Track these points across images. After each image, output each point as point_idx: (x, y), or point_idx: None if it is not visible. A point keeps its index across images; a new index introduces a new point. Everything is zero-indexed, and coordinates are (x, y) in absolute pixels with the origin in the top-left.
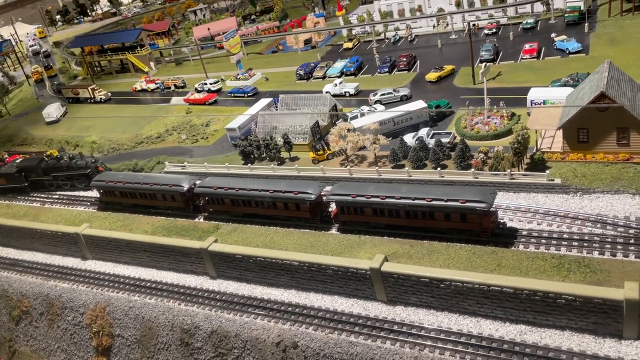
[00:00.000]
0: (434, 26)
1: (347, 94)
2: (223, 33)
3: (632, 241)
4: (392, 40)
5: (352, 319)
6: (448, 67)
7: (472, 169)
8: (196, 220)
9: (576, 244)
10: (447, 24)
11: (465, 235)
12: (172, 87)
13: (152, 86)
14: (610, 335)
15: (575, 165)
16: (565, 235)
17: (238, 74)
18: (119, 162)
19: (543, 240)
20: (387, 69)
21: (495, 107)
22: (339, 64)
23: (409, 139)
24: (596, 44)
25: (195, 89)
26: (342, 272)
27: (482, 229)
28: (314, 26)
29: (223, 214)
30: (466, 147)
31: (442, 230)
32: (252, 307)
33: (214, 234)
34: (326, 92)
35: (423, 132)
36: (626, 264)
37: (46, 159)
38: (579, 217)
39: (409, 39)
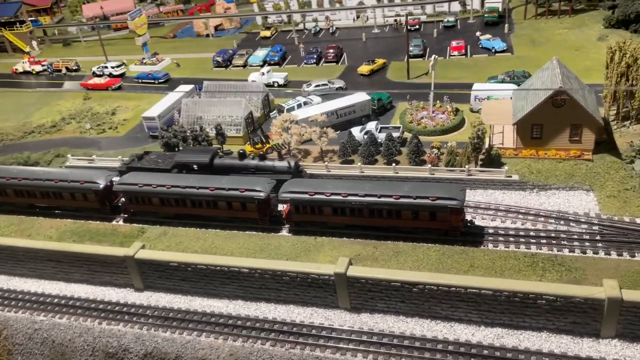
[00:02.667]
0: (354, 19)
1: (276, 84)
2: (118, 13)
3: (598, 238)
4: (312, 32)
5: (314, 331)
6: (380, 61)
7: (428, 165)
8: (114, 223)
9: (545, 241)
10: (368, 18)
11: (432, 235)
12: (64, 70)
13: (37, 68)
14: (587, 335)
15: (529, 161)
16: (532, 233)
17: (144, 58)
18: (4, 155)
19: (511, 239)
20: (314, 60)
21: (438, 101)
22: (261, 53)
23: (357, 132)
24: (518, 44)
25: (94, 73)
26: (302, 278)
27: (451, 228)
28: (225, 12)
29: (149, 215)
30: (419, 142)
31: (407, 229)
32: (194, 323)
33: (139, 239)
34: (252, 82)
35: (371, 125)
36: (598, 261)
37: None
38: (541, 214)
39: (330, 31)
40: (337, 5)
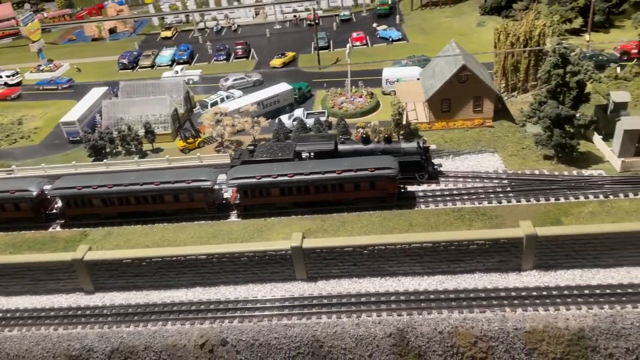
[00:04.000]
0: (253, 17)
1: (191, 81)
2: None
3: (508, 189)
4: (214, 30)
5: (277, 303)
6: (290, 54)
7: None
8: (51, 230)
9: (467, 197)
10: (267, 15)
11: (373, 203)
12: None
13: None
14: (512, 270)
15: (442, 132)
16: (455, 192)
17: (40, 65)
18: None
19: (439, 198)
20: (224, 57)
21: (354, 87)
22: (168, 52)
23: (286, 120)
24: (411, 33)
25: None
26: (259, 257)
27: (389, 195)
28: (117, 14)
29: (89, 217)
30: (346, 124)
31: (350, 201)
32: (157, 314)
33: (83, 242)
34: (174, 78)
35: (299, 112)
36: (512, 208)
37: None
38: (459, 175)
39: (233, 29)
40: (235, 3)
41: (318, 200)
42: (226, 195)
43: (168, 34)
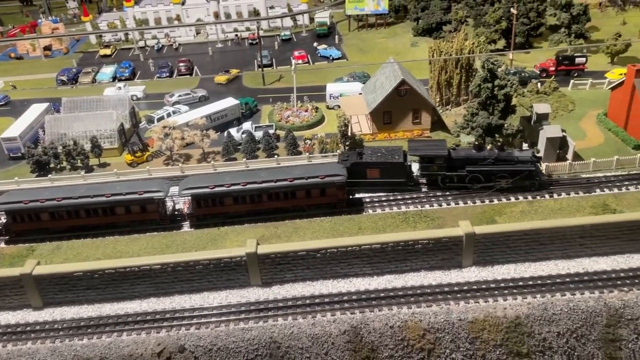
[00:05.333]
0: (194, 35)
1: (135, 98)
2: None
3: (447, 193)
4: (155, 48)
5: (233, 309)
6: (234, 71)
7: (307, 154)
8: None
9: (410, 201)
10: (208, 34)
11: (323, 209)
12: None
13: None
14: (453, 267)
15: (385, 143)
16: (399, 196)
17: None
18: None
19: (385, 203)
20: (167, 74)
21: (299, 101)
22: (108, 69)
23: (235, 133)
24: (350, 52)
25: None
26: (214, 264)
27: (338, 201)
28: (52, 32)
29: (37, 232)
30: (294, 136)
31: (302, 207)
32: (111, 326)
33: (31, 257)
34: (116, 94)
35: (247, 125)
36: (452, 210)
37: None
38: None
39: (174, 47)
40: (176, 22)
41: (271, 208)
42: (178, 206)
43: (107, 51)
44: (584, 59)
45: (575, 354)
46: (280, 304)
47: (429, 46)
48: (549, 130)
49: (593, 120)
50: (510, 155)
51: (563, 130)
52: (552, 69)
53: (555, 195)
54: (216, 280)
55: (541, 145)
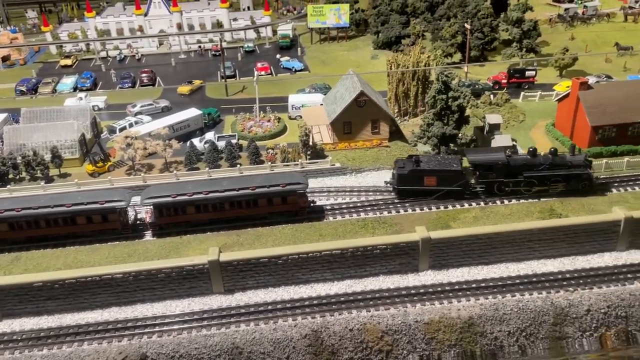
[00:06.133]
0: (157, 46)
1: (96, 108)
2: None
3: (405, 200)
4: (117, 59)
5: (195, 316)
6: (197, 82)
7: (268, 163)
8: None
9: (369, 208)
10: (171, 45)
11: (285, 217)
12: None
13: None
14: (411, 271)
15: (345, 152)
16: (359, 204)
17: None
18: None
19: (345, 210)
20: (129, 85)
21: (262, 112)
22: (69, 80)
23: (197, 142)
24: (312, 64)
25: None
26: (177, 273)
27: (300, 208)
28: (11, 42)
29: None
30: (256, 146)
31: (264, 215)
32: (72, 335)
33: None
34: (77, 104)
35: (210, 135)
36: (409, 216)
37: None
38: (362, 189)
39: (137, 58)
40: (138, 33)
41: (233, 216)
42: (140, 215)
43: (68, 62)
44: (533, 72)
45: (525, 351)
46: (243, 310)
47: (387, 59)
48: (500, 140)
49: (542, 130)
50: (564, 160)
51: (513, 140)
52: (504, 81)
53: (505, 202)
54: (178, 289)
55: None
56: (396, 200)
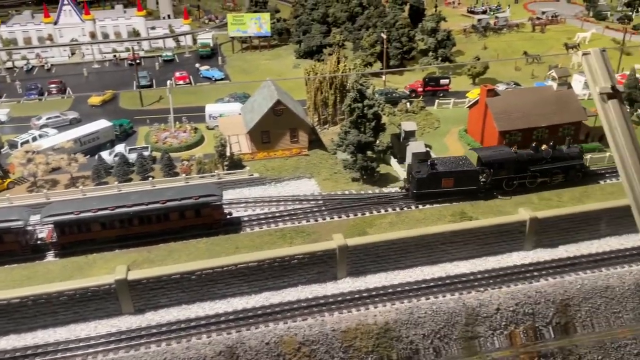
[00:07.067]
0: (69, 56)
1: None
2: None
3: (323, 208)
4: (25, 69)
5: (102, 339)
6: (109, 92)
7: (183, 175)
8: None
9: (288, 218)
10: (84, 55)
11: (199, 230)
12: None
13: None
14: (329, 280)
15: (264, 162)
16: (277, 214)
17: None
18: None
19: (263, 221)
20: (36, 96)
21: (178, 122)
22: None
23: (107, 156)
24: (232, 73)
25: None
26: (81, 294)
27: (214, 221)
28: None
29: None
30: (170, 157)
31: (177, 230)
32: None
33: None
34: None
35: (120, 148)
36: (327, 224)
37: None
38: (281, 199)
39: (46, 68)
40: (48, 42)
41: (143, 232)
42: (42, 234)
43: None
44: (447, 80)
45: (440, 353)
46: (154, 331)
47: (304, 68)
48: (414, 146)
49: (455, 136)
50: (562, 153)
51: (427, 146)
52: (420, 89)
53: (420, 206)
54: (84, 311)
55: (408, 159)
56: (315, 209)
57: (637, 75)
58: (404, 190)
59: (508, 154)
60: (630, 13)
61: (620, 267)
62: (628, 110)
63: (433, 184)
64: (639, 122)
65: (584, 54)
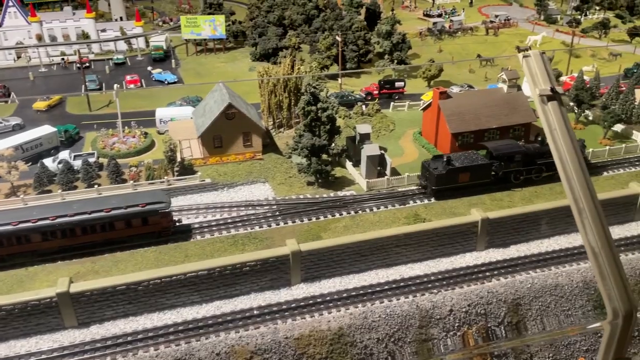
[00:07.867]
0: (14, 60)
1: None
2: None
3: (277, 213)
4: None
5: (44, 356)
6: (56, 97)
7: (131, 182)
8: None
9: (240, 224)
10: (30, 58)
11: (147, 239)
12: None
13: None
14: (283, 286)
15: (216, 167)
16: (229, 220)
17: None
18: None
19: (214, 228)
20: None
21: (127, 127)
22: None
23: (50, 163)
24: (186, 76)
25: None
26: (20, 309)
27: (163, 229)
28: None
29: None
30: (117, 163)
31: (123, 239)
32: None
33: None
34: None
35: (65, 154)
36: (280, 229)
37: None
38: (233, 205)
39: None
40: None
41: (87, 242)
42: None
43: None
44: (402, 83)
45: (395, 357)
46: (98, 345)
47: (258, 71)
48: (369, 149)
49: (410, 139)
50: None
51: (382, 149)
52: (376, 92)
53: (374, 209)
54: (24, 327)
55: (363, 162)
56: (269, 214)
57: (585, 77)
58: (421, 188)
59: (518, 147)
60: (579, 17)
61: (568, 265)
62: (576, 111)
63: (452, 179)
64: (586, 122)
65: (525, 57)
